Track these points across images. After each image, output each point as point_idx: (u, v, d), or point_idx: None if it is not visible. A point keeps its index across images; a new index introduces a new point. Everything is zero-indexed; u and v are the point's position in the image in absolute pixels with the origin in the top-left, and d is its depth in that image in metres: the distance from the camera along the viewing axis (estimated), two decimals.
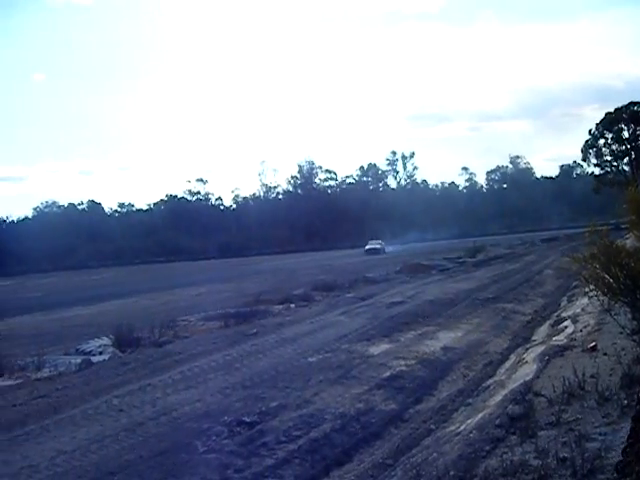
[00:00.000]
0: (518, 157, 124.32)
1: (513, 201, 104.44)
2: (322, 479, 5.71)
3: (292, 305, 20.16)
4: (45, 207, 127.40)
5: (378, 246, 71.93)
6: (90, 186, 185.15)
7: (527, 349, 10.50)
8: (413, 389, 8.69)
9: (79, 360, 13.24)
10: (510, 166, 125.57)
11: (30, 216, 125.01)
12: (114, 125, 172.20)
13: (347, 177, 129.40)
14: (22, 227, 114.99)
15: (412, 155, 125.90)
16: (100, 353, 14.46)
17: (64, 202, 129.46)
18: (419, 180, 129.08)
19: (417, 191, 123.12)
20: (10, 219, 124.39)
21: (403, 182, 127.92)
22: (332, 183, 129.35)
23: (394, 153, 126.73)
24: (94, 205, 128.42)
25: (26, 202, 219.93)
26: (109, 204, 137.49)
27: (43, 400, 9.33)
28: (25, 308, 32.53)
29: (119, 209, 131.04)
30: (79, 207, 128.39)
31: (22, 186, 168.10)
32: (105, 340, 15.92)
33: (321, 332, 13.79)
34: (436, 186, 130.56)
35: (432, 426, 6.98)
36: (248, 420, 7.27)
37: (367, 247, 71.64)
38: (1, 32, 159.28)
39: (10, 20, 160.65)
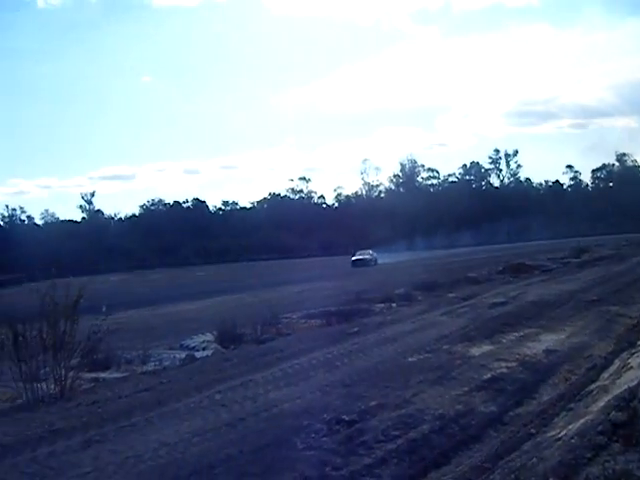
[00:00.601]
0: (625, 155, 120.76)
1: (620, 200, 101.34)
2: None
3: (393, 304, 20.11)
4: (151, 205, 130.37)
5: (367, 257, 64.19)
6: (195, 185, 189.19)
7: (632, 354, 10.17)
8: (513, 392, 8.56)
9: (183, 355, 13.54)
10: (617, 164, 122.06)
11: (137, 214, 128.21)
12: (218, 125, 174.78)
13: (449, 175, 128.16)
14: (129, 224, 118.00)
15: (515, 153, 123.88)
16: (203, 349, 14.74)
17: (170, 200, 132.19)
18: (522, 178, 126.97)
19: (520, 189, 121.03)
20: (118, 216, 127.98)
21: (506, 180, 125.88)
22: (434, 182, 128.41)
23: (497, 151, 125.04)
24: (199, 203, 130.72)
25: (134, 200, 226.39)
26: (213, 202, 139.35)
27: (148, 393, 9.57)
28: (132, 303, 33.41)
29: (223, 207, 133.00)
30: (184, 205, 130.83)
31: (130, 184, 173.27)
32: (208, 336, 16.22)
33: (422, 332, 13.71)
34: (540, 185, 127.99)
35: (532, 430, 6.85)
36: (347, 418, 7.29)
37: (354, 258, 63.41)
38: (112, 37, 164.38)
39: (120, 25, 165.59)
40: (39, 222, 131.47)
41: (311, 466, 5.85)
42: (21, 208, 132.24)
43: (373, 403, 7.90)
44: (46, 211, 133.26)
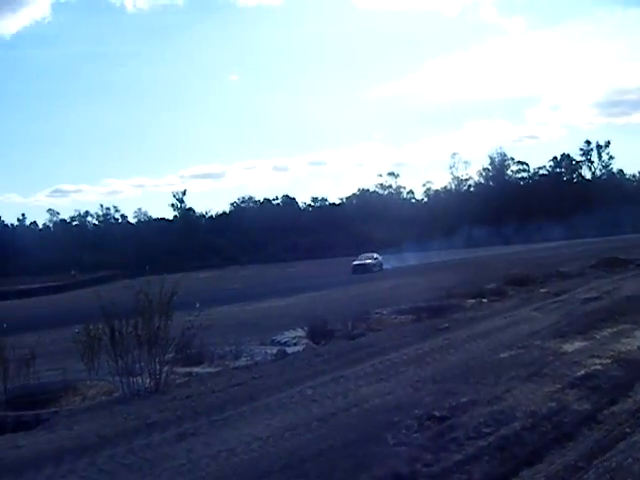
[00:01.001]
0: None
1: None
2: (512, 478, 5.62)
3: (484, 299, 19.86)
4: (242, 202, 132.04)
5: (370, 261, 58.24)
6: (284, 181, 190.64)
7: None
8: (608, 389, 8.36)
9: (274, 350, 13.66)
10: None
11: (227, 211, 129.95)
12: (307, 122, 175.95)
13: (539, 168, 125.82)
14: (220, 222, 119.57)
15: (607, 144, 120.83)
16: (294, 344, 14.85)
17: (259, 197, 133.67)
18: (615, 170, 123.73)
19: (613, 182, 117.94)
20: (209, 214, 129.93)
21: (598, 172, 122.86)
22: (524, 175, 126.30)
23: (588, 142, 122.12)
24: (288, 200, 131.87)
25: (224, 198, 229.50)
26: (303, 199, 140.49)
27: (240, 388, 9.71)
28: (224, 299, 33.91)
29: (312, 203, 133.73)
30: (274, 202, 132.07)
31: (220, 183, 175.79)
32: (299, 331, 16.33)
33: (513, 328, 13.53)
34: (633, 176, 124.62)
35: (627, 429, 6.70)
36: (438, 414, 7.26)
37: (355, 263, 57.55)
38: (199, 37, 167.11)
39: (206, 25, 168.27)
40: (132, 221, 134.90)
41: (402, 462, 5.86)
42: (115, 207, 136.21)
43: (464, 399, 7.85)
44: (139, 210, 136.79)
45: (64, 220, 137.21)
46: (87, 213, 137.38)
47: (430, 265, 53.17)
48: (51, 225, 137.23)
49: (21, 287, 72.37)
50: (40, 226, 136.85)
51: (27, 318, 32.99)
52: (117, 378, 10.08)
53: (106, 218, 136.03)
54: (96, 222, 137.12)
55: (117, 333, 10.16)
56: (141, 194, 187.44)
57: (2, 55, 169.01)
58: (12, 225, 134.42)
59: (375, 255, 61.13)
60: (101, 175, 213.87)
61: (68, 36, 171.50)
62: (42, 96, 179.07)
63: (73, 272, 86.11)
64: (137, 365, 10.09)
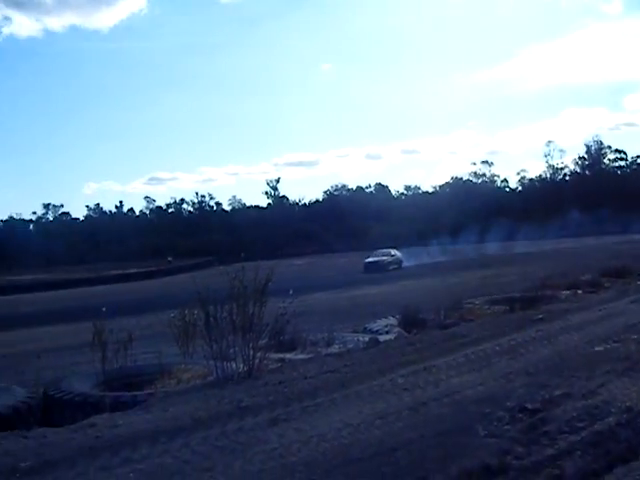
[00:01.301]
0: None
1: None
2: (605, 474, 5.52)
3: (579, 291, 19.52)
4: (335, 190, 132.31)
5: (385, 259, 54.10)
6: (377, 169, 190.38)
7: None
8: None
9: (366, 338, 13.70)
10: None
11: (321, 199, 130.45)
12: (399, 109, 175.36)
13: (638, 157, 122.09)
14: (313, 209, 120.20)
15: None
16: (386, 332, 14.86)
17: (352, 185, 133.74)
18: None
19: None
20: (302, 202, 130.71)
21: None
22: (622, 164, 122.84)
23: None
24: (381, 188, 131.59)
25: (317, 186, 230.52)
26: (395, 187, 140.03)
27: (332, 375, 9.77)
28: (318, 287, 34.14)
29: (405, 192, 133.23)
30: (367, 190, 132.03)
31: (314, 170, 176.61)
32: (391, 320, 16.34)
33: (609, 320, 13.25)
34: None
35: None
36: (530, 407, 7.18)
37: (368, 260, 53.74)
38: (291, 26, 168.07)
39: (298, 14, 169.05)
40: (227, 208, 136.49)
41: (492, 454, 5.82)
42: (210, 195, 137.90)
43: (557, 392, 7.74)
44: (233, 197, 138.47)
45: (160, 207, 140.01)
46: (182, 201, 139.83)
47: (527, 256, 52.21)
48: (147, 212, 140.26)
49: (119, 272, 74.18)
50: (137, 213, 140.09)
51: (125, 302, 33.84)
52: (211, 362, 10.27)
53: (201, 205, 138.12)
54: (191, 209, 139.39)
55: (212, 318, 10.33)
56: (235, 182, 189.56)
57: (100, 48, 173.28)
58: (110, 212, 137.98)
59: (392, 251, 56.88)
60: (196, 163, 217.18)
61: (164, 28, 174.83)
62: (139, 87, 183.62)
63: (169, 258, 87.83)
64: (231, 350, 10.25)
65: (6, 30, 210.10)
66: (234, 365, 10.08)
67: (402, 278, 39.62)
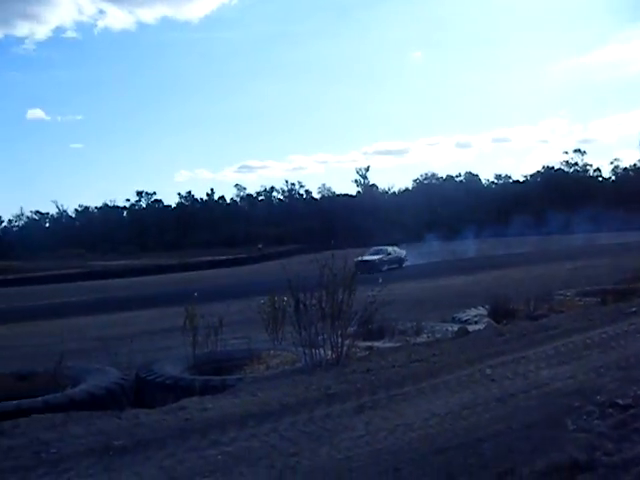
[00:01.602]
0: None
1: None
2: None
3: None
4: (424, 179, 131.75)
5: (376, 257, 49.53)
6: (467, 158, 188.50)
7: None
8: None
9: (455, 328, 13.64)
10: None
11: (410, 188, 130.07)
12: (490, 98, 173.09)
13: None
14: (403, 198, 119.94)
15: None
16: (475, 322, 14.77)
17: (442, 174, 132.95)
18: None
19: None
20: (392, 190, 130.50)
21: None
22: None
23: None
24: (471, 177, 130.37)
25: (407, 174, 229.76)
26: (486, 176, 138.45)
27: (420, 364, 9.74)
28: (406, 276, 34.08)
29: (495, 181, 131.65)
30: (457, 179, 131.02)
31: (403, 159, 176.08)
32: (480, 310, 16.24)
33: None
34: None
35: None
36: (622, 402, 7.01)
37: (359, 259, 42.69)
38: (382, 13, 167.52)
39: (390, 1, 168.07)
40: (316, 196, 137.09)
41: (581, 449, 5.72)
42: (300, 183, 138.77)
43: None
44: (323, 185, 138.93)
45: (250, 195, 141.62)
46: (272, 188, 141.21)
47: (617, 246, 50.95)
48: (238, 200, 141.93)
49: (210, 259, 75.37)
50: (228, 201, 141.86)
51: (215, 288, 34.40)
52: (300, 349, 10.37)
53: (291, 194, 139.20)
54: (281, 197, 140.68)
55: (301, 305, 10.43)
56: (324, 170, 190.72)
57: (191, 38, 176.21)
58: (201, 199, 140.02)
59: (390, 249, 52.98)
60: (286, 151, 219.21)
61: (253, 18, 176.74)
62: (231, 76, 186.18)
63: (259, 245, 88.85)
64: (319, 337, 10.33)
65: (101, 23, 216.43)
66: (322, 352, 10.16)
67: (493, 268, 39.14)
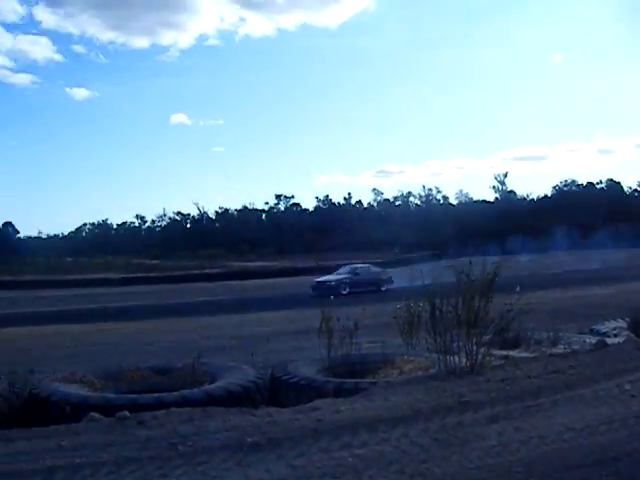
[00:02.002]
0: None
1: None
2: None
3: None
4: (564, 186, 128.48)
5: (334, 279, 43.64)
6: (609, 165, 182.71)
7: None
8: None
9: (593, 340, 13.24)
10: None
11: (549, 194, 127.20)
12: (633, 102, 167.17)
13: None
14: (541, 205, 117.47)
15: None
16: (614, 335, 14.29)
17: (582, 181, 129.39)
18: None
19: None
20: (530, 197, 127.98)
21: None
22: None
23: None
24: (613, 184, 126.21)
25: (545, 181, 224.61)
26: (628, 183, 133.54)
27: (556, 375, 9.50)
28: (541, 284, 33.29)
29: (638, 189, 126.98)
30: (597, 186, 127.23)
31: (542, 165, 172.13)
32: (620, 322, 15.72)
33: None
34: None
35: None
36: None
37: (318, 279, 43.47)
38: (520, 18, 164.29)
39: (528, 5, 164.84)
40: (453, 202, 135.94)
41: None
42: (437, 188, 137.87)
43: None
44: (460, 191, 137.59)
45: (387, 200, 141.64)
46: (409, 194, 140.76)
47: None
48: (375, 205, 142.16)
49: (346, 262, 75.85)
50: (365, 205, 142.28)
51: None
52: (434, 355, 10.30)
53: (428, 199, 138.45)
54: (418, 202, 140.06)
55: (437, 311, 10.35)
56: (462, 176, 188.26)
57: (329, 44, 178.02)
58: (338, 204, 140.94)
59: (361, 268, 46.49)
60: (424, 157, 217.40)
61: (390, 24, 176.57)
62: (368, 82, 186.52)
63: (396, 250, 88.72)
64: (454, 344, 10.22)
65: (242, 30, 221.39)
66: (457, 359, 10.06)
67: (631, 280, 37.79)
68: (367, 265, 48.21)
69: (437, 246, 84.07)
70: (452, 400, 8.19)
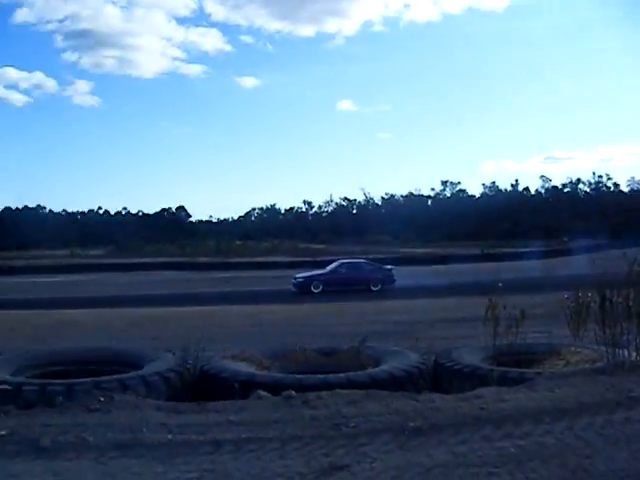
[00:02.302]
0: None
1: None
2: None
3: None
4: None
5: (304, 276, 40.74)
6: None
7: None
8: None
9: None
10: None
11: None
12: None
13: None
14: None
15: None
16: None
17: None
18: None
19: None
20: None
21: None
22: None
23: None
24: None
25: None
26: None
27: None
28: None
29: None
30: None
31: None
32: None
33: None
34: None
35: None
36: None
37: (297, 276, 40.74)
38: None
39: None
40: (624, 189, 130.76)
41: None
42: (607, 175, 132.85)
43: None
44: (632, 178, 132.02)
45: (555, 187, 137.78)
46: (579, 180, 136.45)
47: None
48: (542, 191, 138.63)
49: (513, 250, 74.76)
50: (532, 192, 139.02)
51: (520, 279, 33.82)
52: (602, 348, 10.01)
53: (597, 186, 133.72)
54: (587, 190, 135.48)
55: (607, 302, 10.03)
56: (634, 162, 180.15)
57: (495, 28, 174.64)
58: (505, 190, 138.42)
59: (347, 263, 42.42)
60: (595, 142, 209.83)
61: (558, 4, 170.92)
62: (534, 65, 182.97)
63: (564, 238, 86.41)
64: (624, 337, 9.89)
65: (406, 16, 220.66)
66: (626, 353, 9.72)
67: None
68: (361, 261, 44.14)
69: (608, 234, 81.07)
70: (619, 395, 7.93)
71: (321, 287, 38.63)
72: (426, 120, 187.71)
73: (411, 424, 6.67)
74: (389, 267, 41.89)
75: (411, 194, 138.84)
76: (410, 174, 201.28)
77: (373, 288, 38.79)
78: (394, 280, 39.99)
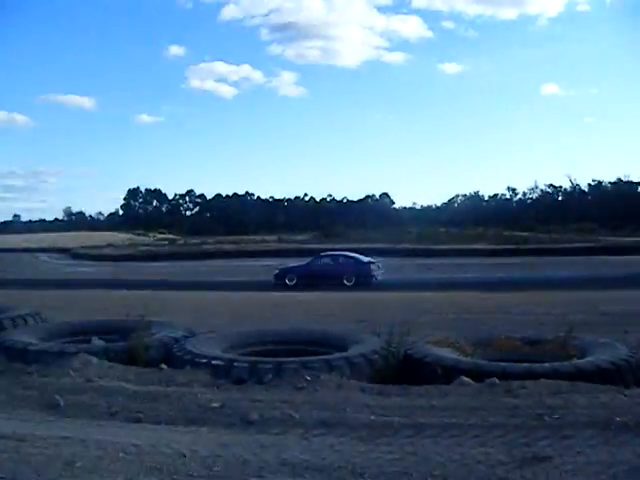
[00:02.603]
0: None
1: None
2: None
3: None
4: None
5: (280, 267, 38.67)
6: None
7: None
8: None
9: None
10: None
11: None
12: None
13: None
14: None
15: None
16: None
17: None
18: None
19: None
20: None
21: None
22: None
23: None
24: None
25: None
26: None
27: None
28: None
29: None
30: None
31: None
32: None
33: None
34: None
35: None
36: None
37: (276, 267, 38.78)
38: None
39: None
40: None
41: None
42: None
43: None
44: None
45: None
46: None
47: None
48: None
49: None
50: None
51: None
52: None
53: None
54: None
55: None
56: None
57: None
58: None
59: (329, 255, 39.96)
60: None
61: None
62: None
63: None
64: None
65: None
66: None
67: None
68: (340, 254, 40.79)
69: None
70: None
71: (295, 280, 37.43)
72: (635, 103, 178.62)
73: (618, 419, 6.47)
74: (369, 260, 38.83)
75: (620, 180, 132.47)
76: (618, 160, 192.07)
77: (347, 283, 36.73)
78: (372, 275, 37.37)
